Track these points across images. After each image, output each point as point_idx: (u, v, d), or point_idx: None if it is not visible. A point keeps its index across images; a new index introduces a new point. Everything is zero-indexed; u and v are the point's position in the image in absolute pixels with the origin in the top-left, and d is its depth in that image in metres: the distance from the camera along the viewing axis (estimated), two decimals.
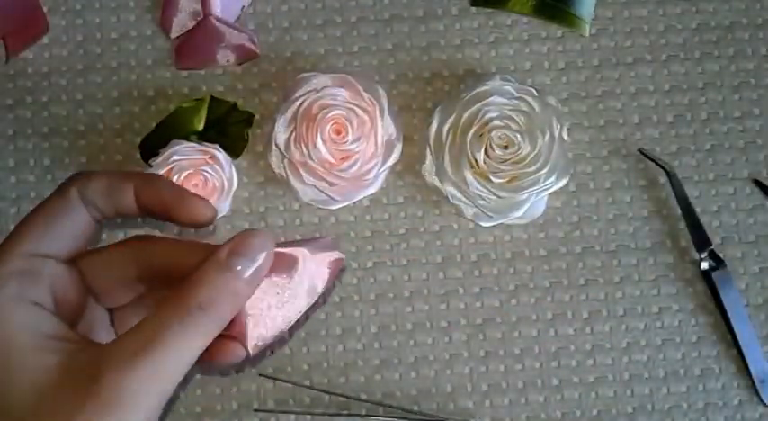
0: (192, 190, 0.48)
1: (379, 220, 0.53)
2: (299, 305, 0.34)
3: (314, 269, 0.34)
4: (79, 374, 0.31)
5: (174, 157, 0.49)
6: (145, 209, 0.36)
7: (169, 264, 0.36)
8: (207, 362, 0.34)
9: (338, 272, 0.35)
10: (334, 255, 0.35)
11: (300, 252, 0.34)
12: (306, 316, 0.35)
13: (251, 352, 0.34)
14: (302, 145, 0.50)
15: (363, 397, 0.51)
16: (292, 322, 0.35)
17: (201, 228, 0.36)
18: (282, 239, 0.34)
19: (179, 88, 0.54)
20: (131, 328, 0.33)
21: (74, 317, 0.36)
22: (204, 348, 0.33)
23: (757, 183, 0.54)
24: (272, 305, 0.34)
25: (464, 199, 0.52)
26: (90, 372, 0.31)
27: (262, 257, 0.33)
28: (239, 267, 0.33)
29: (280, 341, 0.34)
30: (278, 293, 0.34)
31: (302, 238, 0.52)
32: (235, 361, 0.35)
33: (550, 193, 0.52)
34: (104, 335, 0.37)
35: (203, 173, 0.49)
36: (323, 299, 0.50)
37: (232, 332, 0.34)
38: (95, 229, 0.37)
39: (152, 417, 0.32)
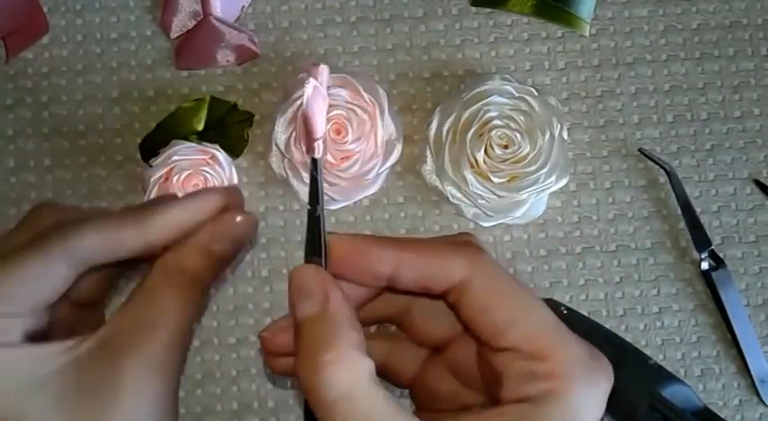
0: (192, 190, 0.48)
1: (379, 220, 0.53)
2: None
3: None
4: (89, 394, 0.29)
5: (175, 158, 0.49)
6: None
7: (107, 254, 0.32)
8: None
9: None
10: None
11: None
12: None
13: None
14: (302, 145, 0.50)
15: None
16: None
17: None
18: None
19: (179, 88, 0.54)
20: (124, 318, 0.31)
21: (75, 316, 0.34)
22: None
23: (757, 183, 0.54)
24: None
25: (464, 199, 0.52)
26: (101, 392, 0.29)
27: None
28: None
29: None
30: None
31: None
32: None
33: (550, 193, 0.52)
34: None
35: (203, 173, 0.49)
36: None
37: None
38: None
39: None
